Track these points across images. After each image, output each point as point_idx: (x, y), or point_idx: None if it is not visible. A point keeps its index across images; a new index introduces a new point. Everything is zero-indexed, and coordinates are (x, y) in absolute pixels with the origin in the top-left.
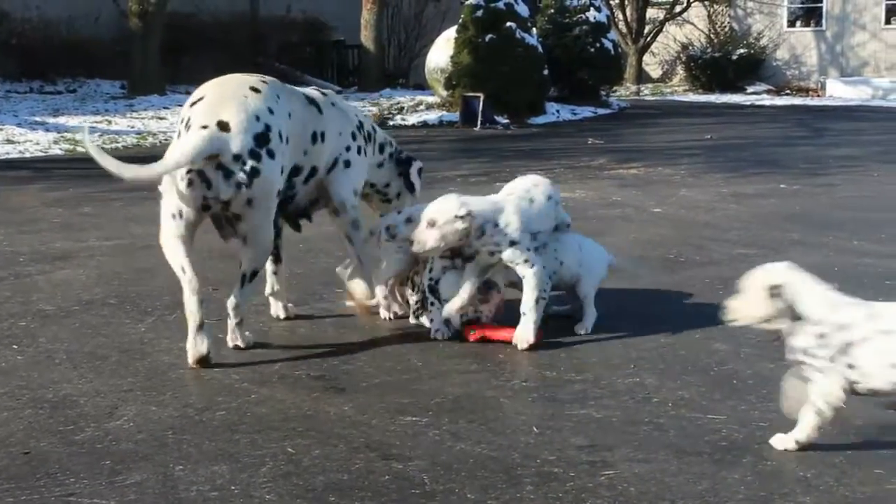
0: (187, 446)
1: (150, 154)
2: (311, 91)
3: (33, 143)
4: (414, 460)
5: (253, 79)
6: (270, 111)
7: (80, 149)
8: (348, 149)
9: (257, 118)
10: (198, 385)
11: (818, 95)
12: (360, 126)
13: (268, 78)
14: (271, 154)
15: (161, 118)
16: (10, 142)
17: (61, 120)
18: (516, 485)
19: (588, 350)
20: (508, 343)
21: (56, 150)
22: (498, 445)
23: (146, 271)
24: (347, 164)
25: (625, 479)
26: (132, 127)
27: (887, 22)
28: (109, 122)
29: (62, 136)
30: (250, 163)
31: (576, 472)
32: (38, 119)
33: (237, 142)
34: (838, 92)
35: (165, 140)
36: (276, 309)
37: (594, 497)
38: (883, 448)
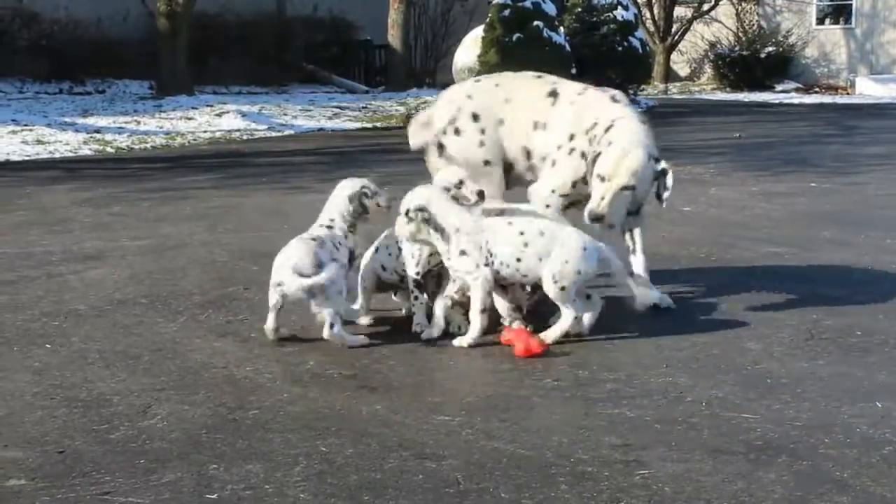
0: (221, 445)
1: (179, 154)
2: None
3: (63, 143)
4: (447, 459)
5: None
6: None
7: (108, 149)
8: None
9: None
10: (230, 384)
11: (847, 93)
12: None
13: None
14: None
15: (189, 118)
16: (40, 142)
17: (90, 120)
18: (551, 484)
19: (620, 349)
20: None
21: (85, 151)
22: (531, 444)
23: (177, 271)
24: None
25: (659, 479)
26: (161, 127)
27: None
28: (138, 123)
29: (91, 137)
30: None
31: (610, 472)
32: (67, 120)
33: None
34: (868, 90)
35: (194, 140)
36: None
37: (629, 497)
38: None
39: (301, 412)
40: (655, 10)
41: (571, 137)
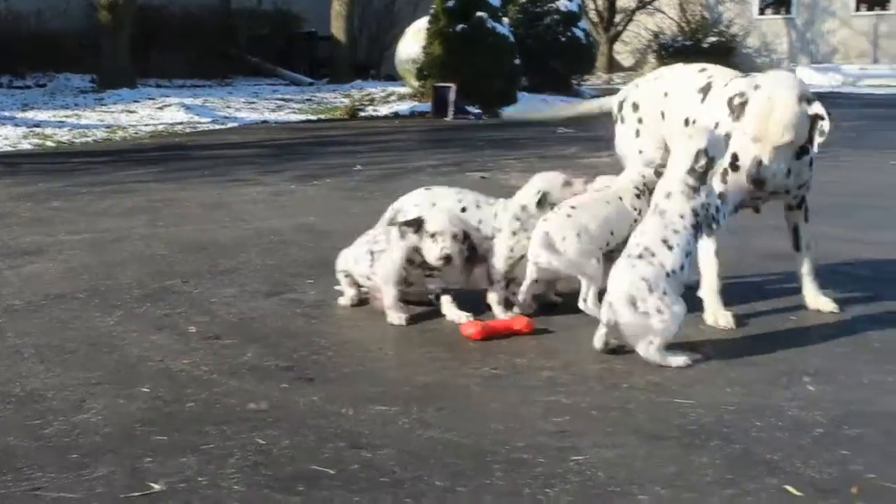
0: (155, 438)
1: (121, 148)
2: None
3: (2, 137)
4: (383, 449)
5: None
6: None
7: (49, 143)
8: None
9: None
10: (167, 378)
11: None
12: None
13: None
14: None
15: (131, 112)
16: None
17: (31, 114)
18: (485, 471)
19: (559, 337)
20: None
21: (25, 145)
22: (468, 433)
23: (116, 265)
24: None
25: (593, 465)
26: (102, 121)
27: (857, 9)
28: (79, 117)
29: (31, 131)
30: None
31: (545, 458)
32: (6, 114)
33: None
34: (808, 79)
35: (135, 134)
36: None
37: (563, 482)
38: (848, 429)
39: (237, 404)
40: (599, 1)
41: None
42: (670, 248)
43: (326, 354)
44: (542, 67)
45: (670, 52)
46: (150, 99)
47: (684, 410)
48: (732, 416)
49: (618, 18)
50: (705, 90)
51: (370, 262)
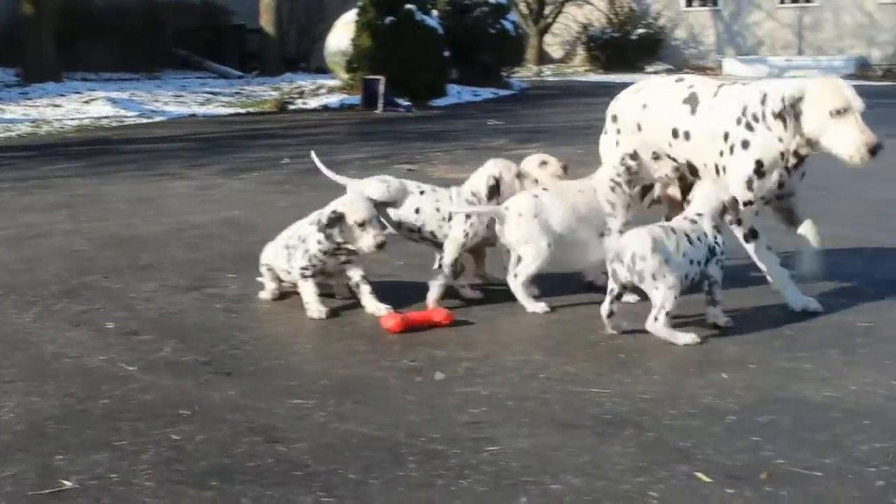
0: (68, 436)
1: (45, 142)
2: None
3: None
4: (298, 442)
5: None
6: None
7: None
8: None
9: None
10: (82, 374)
11: (716, 74)
12: None
13: None
14: None
15: (57, 106)
16: None
17: None
18: (400, 463)
19: (478, 328)
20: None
21: None
22: (383, 425)
23: (35, 260)
24: None
25: (508, 455)
26: (27, 115)
27: (781, 1)
28: (2, 111)
29: None
30: None
31: (460, 449)
32: None
33: None
34: (735, 70)
35: (61, 128)
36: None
37: (476, 473)
38: (759, 415)
39: (152, 400)
40: None
41: (726, 136)
42: (690, 242)
43: (245, 349)
44: (472, 60)
45: (599, 43)
46: (76, 93)
47: (600, 400)
48: (646, 405)
49: (547, 10)
50: (692, 101)
51: (287, 258)
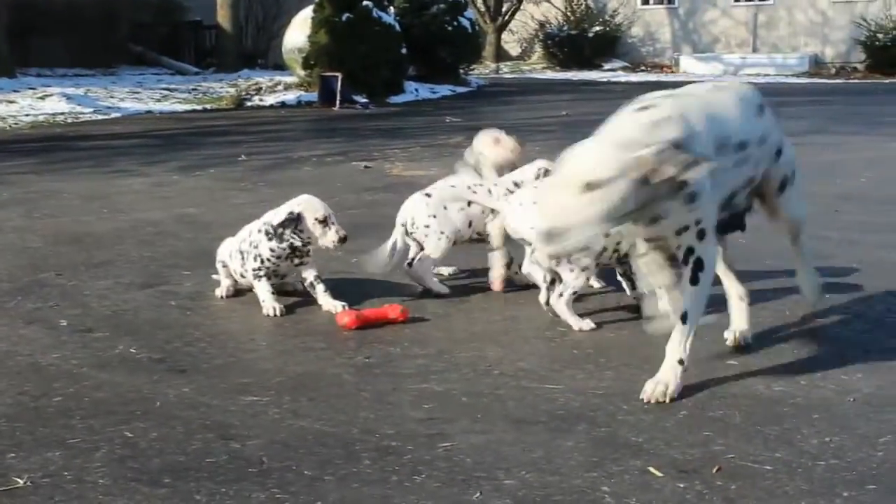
0: (20, 434)
1: None
2: None
3: None
4: (252, 439)
5: None
6: None
7: None
8: None
9: None
10: (35, 372)
11: (672, 72)
12: None
13: None
14: None
15: (11, 102)
16: None
17: None
18: (354, 460)
19: (432, 326)
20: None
21: None
22: (337, 422)
23: None
24: None
25: (461, 451)
26: None
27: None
28: None
29: None
30: None
31: (414, 445)
32: None
33: None
34: (691, 68)
35: (14, 124)
36: None
37: (430, 469)
38: (711, 410)
39: (106, 398)
40: None
41: None
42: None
43: (199, 346)
44: (429, 57)
45: (556, 41)
46: (30, 89)
47: (553, 395)
48: (600, 401)
49: (505, 8)
50: None
51: (241, 261)
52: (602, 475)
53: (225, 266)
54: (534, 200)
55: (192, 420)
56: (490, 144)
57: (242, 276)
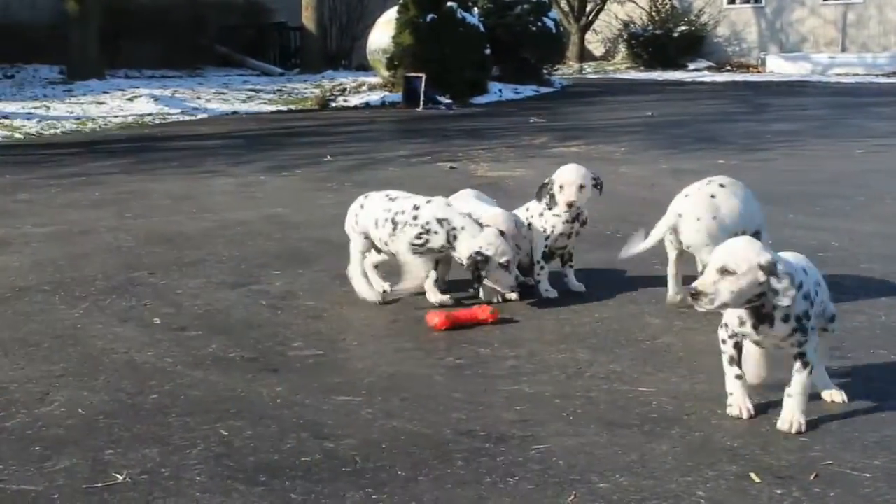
0: (118, 430)
1: (90, 139)
2: None
3: None
4: (345, 439)
5: None
6: None
7: (17, 135)
8: None
9: None
10: (131, 370)
11: (758, 71)
12: None
13: None
14: None
15: (101, 103)
16: None
17: None
18: (447, 461)
19: (522, 327)
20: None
21: None
22: (430, 422)
23: (82, 257)
24: None
25: (554, 453)
26: (71, 112)
27: None
28: (48, 108)
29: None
30: None
31: (506, 447)
32: None
33: None
34: (778, 68)
35: (105, 125)
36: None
37: (524, 471)
38: (808, 416)
39: (201, 396)
40: None
41: None
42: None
43: (291, 345)
44: (513, 57)
45: (640, 41)
46: (119, 90)
47: (646, 399)
48: (693, 405)
49: (589, 8)
50: None
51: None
52: (697, 479)
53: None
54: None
55: (286, 419)
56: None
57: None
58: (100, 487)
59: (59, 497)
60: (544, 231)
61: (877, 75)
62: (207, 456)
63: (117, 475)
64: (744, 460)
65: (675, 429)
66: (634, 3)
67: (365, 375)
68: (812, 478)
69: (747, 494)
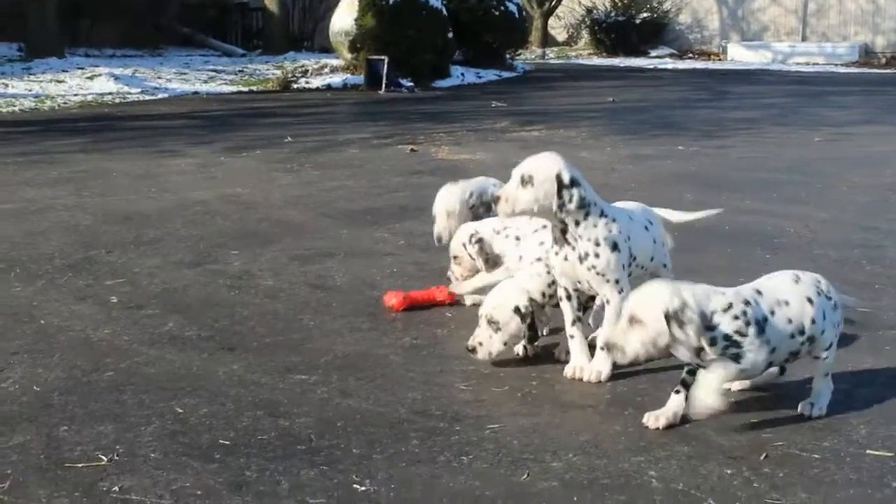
0: (73, 407)
1: (48, 118)
2: None
3: None
4: (301, 417)
5: None
6: None
7: None
8: None
9: None
10: (87, 347)
11: (720, 59)
12: None
13: None
14: None
15: (60, 81)
16: None
17: None
18: (402, 439)
19: (478, 308)
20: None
21: None
22: (385, 401)
23: (38, 235)
24: None
25: (508, 433)
26: (30, 90)
27: None
28: (6, 86)
29: None
30: None
31: (461, 426)
32: None
33: None
34: (739, 56)
35: (64, 104)
36: None
37: (478, 450)
38: (759, 400)
39: (156, 373)
40: None
41: None
42: None
43: (248, 324)
44: (476, 41)
45: (603, 27)
46: (79, 69)
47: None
48: (646, 386)
49: None
50: None
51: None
52: (649, 459)
53: None
54: None
55: (242, 397)
56: None
57: None
58: (54, 464)
59: (12, 473)
60: None
61: (836, 65)
62: (162, 433)
63: (71, 451)
64: (696, 441)
65: (629, 410)
66: None
67: (321, 355)
68: (762, 458)
69: (698, 474)
